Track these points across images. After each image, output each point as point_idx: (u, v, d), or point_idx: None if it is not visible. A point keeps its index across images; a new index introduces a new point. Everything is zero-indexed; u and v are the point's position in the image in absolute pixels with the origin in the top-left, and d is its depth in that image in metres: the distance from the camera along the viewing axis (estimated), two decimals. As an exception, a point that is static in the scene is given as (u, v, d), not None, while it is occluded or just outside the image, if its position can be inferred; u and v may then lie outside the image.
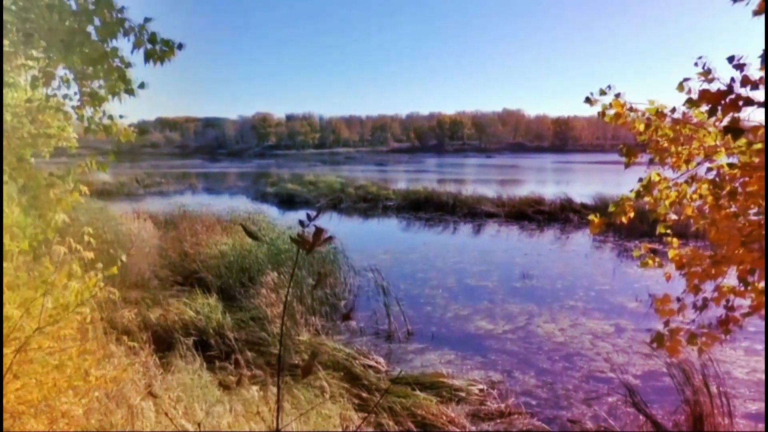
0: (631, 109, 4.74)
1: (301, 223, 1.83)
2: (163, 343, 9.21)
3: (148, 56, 4.19)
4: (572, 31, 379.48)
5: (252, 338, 9.75)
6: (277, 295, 11.12)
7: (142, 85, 4.48)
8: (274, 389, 7.04)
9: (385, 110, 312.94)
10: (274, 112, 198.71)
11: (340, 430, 6.39)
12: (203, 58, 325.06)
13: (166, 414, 5.51)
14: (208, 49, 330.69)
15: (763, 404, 8.06)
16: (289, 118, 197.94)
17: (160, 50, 4.21)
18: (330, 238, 1.87)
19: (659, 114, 4.59)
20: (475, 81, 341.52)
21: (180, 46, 4.31)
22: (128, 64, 4.33)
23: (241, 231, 15.18)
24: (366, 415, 7.19)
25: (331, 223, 26.22)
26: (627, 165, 4.65)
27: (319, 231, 1.81)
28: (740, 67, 3.61)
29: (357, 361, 8.86)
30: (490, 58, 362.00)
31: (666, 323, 4.32)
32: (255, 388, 7.07)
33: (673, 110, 4.56)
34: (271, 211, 25.99)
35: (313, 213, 1.83)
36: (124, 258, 5.48)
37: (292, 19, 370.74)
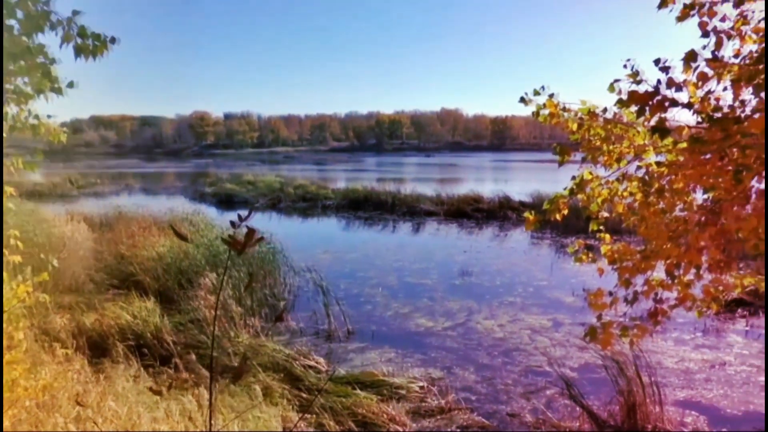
0: (564, 109, 4.85)
1: (233, 223, 1.81)
2: (99, 349, 8.98)
3: (78, 51, 4.06)
4: (510, 31, 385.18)
5: (191, 341, 9.59)
6: (218, 297, 10.99)
7: (71, 84, 4.31)
8: (215, 392, 6.96)
9: (324, 109, 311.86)
10: (212, 111, 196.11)
11: (278, 431, 6.36)
12: (139, 55, 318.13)
13: (94, 422, 5.37)
14: (144, 46, 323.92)
15: (691, 392, 8.37)
16: (228, 117, 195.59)
17: (91, 45, 4.08)
18: (261, 238, 1.86)
19: (591, 114, 4.72)
20: (413, 80, 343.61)
21: (113, 41, 4.19)
22: (53, 60, 4.17)
23: (186, 234, 14.94)
24: (301, 414, 7.17)
25: (270, 223, 25.99)
26: (560, 163, 4.76)
27: (250, 231, 1.80)
28: (666, 69, 3.75)
29: (297, 362, 8.81)
30: (428, 57, 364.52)
31: (599, 317, 4.44)
32: (191, 392, 6.96)
33: (605, 110, 4.69)
34: (209, 212, 25.63)
35: (244, 213, 1.82)
36: (55, 262, 5.33)
37: (228, 17, 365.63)
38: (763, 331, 11.07)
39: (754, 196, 3.96)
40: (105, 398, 6.02)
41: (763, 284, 4.91)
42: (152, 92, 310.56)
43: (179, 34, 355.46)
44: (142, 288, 12.04)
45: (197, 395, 6.84)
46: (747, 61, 3.79)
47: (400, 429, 7.13)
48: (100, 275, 13.32)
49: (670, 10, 4.00)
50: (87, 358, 7.59)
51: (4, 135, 4.55)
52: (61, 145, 5.04)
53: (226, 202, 35.82)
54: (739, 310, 12.22)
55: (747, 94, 3.79)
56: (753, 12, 3.92)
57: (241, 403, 6.96)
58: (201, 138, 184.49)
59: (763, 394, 8.30)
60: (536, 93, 4.82)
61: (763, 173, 3.84)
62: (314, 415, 7.19)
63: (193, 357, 8.72)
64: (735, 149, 3.67)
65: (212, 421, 5.72)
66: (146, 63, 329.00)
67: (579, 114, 4.78)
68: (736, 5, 3.89)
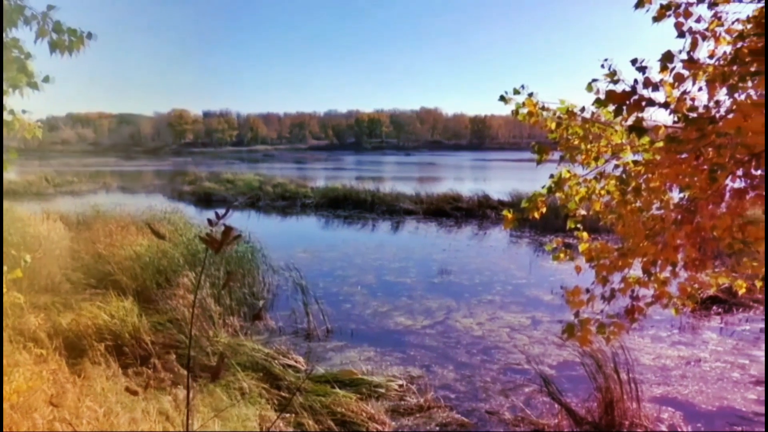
0: (543, 108, 4.89)
1: (210, 222, 1.80)
2: (76, 349, 8.87)
3: (54, 47, 4.01)
4: (489, 31, 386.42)
5: (170, 341, 9.53)
6: (196, 296, 10.92)
7: (46, 79, 4.25)
8: (192, 392, 6.92)
9: (304, 108, 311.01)
10: (190, 109, 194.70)
11: (257, 430, 6.34)
12: (117, 52, 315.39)
13: (70, 424, 5.32)
14: (122, 43, 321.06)
15: (668, 388, 8.46)
16: (207, 115, 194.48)
17: (67, 41, 4.03)
18: (238, 236, 1.85)
19: (570, 113, 4.76)
20: (392, 79, 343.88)
21: (89, 36, 4.14)
22: (28, 55, 4.12)
23: (162, 232, 14.84)
24: (279, 413, 7.16)
25: (249, 221, 25.87)
26: (539, 162, 4.79)
27: (227, 230, 1.79)
28: (642, 69, 3.79)
29: (276, 361, 8.78)
30: (408, 56, 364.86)
31: (576, 314, 4.48)
32: (169, 391, 6.92)
33: (583, 110, 4.73)
34: (188, 210, 25.44)
35: (222, 212, 1.81)
36: (28, 258, 5.26)
37: (207, 14, 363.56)
38: (737, 328, 11.22)
39: (728, 195, 4.01)
40: (82, 399, 5.97)
41: (737, 282, 4.99)
42: (130, 90, 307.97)
43: (157, 31, 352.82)
44: (119, 287, 11.92)
45: (175, 395, 6.81)
46: (721, 62, 3.84)
47: (380, 427, 7.13)
48: (76, 275, 13.17)
49: (647, 11, 4.04)
50: (64, 358, 7.50)
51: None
52: (37, 142, 4.98)
53: (205, 200, 35.59)
54: (714, 308, 12.38)
55: (721, 94, 3.84)
56: (727, 13, 3.98)
57: (220, 403, 6.93)
58: (180, 136, 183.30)
59: (736, 389, 8.41)
60: (515, 92, 4.86)
61: (738, 173, 3.90)
62: (293, 414, 7.17)
63: (172, 357, 8.67)
64: (710, 149, 3.72)
65: (190, 421, 5.70)
66: (124, 60, 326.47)
67: (557, 113, 4.82)
68: (711, 6, 3.94)
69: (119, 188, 46.42)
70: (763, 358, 9.60)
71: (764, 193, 4.03)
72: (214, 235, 1.80)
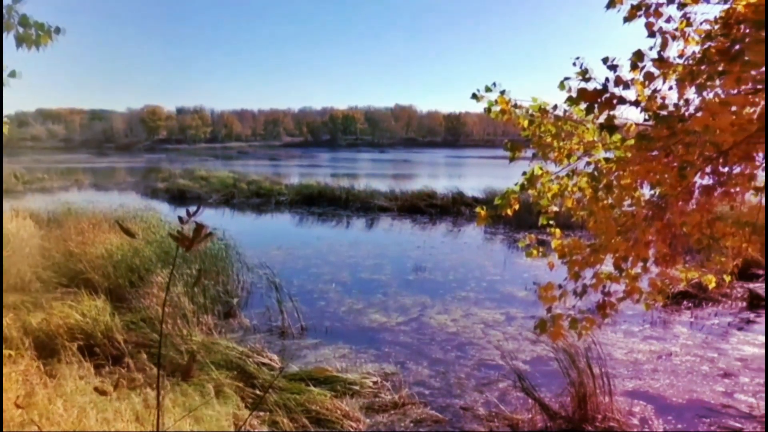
0: (515, 106, 4.93)
1: (181, 219, 1.78)
2: (47, 349, 8.74)
3: (20, 41, 3.94)
4: (463, 28, 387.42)
5: (143, 340, 9.44)
6: (169, 294, 10.82)
7: (12, 74, 4.17)
8: (162, 391, 6.87)
9: (278, 104, 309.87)
10: (164, 105, 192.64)
11: (232, 429, 6.32)
12: (88, 47, 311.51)
13: (37, 425, 5.25)
14: (93, 38, 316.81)
15: (639, 382, 8.58)
16: (180, 111, 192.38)
17: (34, 35, 3.97)
18: (210, 234, 1.84)
19: (542, 111, 4.80)
20: (367, 76, 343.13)
21: (57, 31, 4.08)
22: None
23: (132, 230, 14.69)
24: (251, 411, 7.14)
25: (223, 219, 25.72)
26: (511, 159, 4.84)
27: (199, 227, 1.77)
28: (614, 68, 3.84)
29: (250, 359, 8.75)
30: (382, 53, 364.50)
31: (548, 309, 4.53)
32: (140, 392, 6.85)
33: (555, 107, 4.78)
34: (161, 208, 25.24)
35: (193, 209, 1.79)
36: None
37: (180, 10, 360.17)
38: (707, 323, 11.40)
39: (697, 192, 4.08)
40: (53, 400, 5.90)
41: (706, 277, 5.07)
42: (102, 85, 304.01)
43: (129, 26, 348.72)
44: (91, 286, 11.77)
45: (147, 395, 6.75)
46: (690, 62, 3.90)
47: (354, 425, 7.14)
48: (47, 273, 12.99)
49: (618, 11, 4.10)
50: (33, 359, 7.40)
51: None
52: (5, 139, 4.88)
53: (178, 198, 35.27)
54: (685, 303, 12.56)
55: (691, 93, 3.90)
56: (695, 14, 4.05)
57: (192, 402, 6.89)
58: (153, 133, 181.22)
59: (705, 382, 8.55)
60: (488, 89, 4.89)
61: (706, 170, 3.97)
62: (268, 413, 7.15)
63: (145, 356, 8.60)
64: (680, 146, 3.78)
65: (161, 421, 5.66)
66: (95, 55, 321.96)
67: (530, 111, 4.86)
68: (680, 7, 4.01)
69: (91, 185, 45.81)
70: (731, 351, 9.77)
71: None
72: (186, 233, 1.78)
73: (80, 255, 13.49)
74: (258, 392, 7.83)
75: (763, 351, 9.77)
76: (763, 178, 4.37)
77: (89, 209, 19.54)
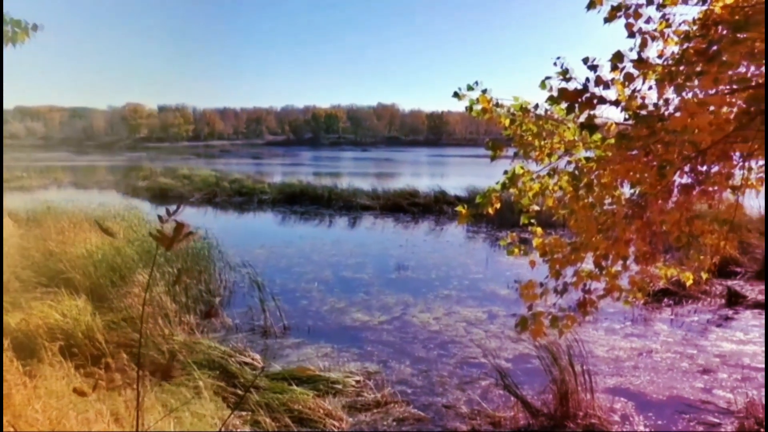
0: (497, 105, 4.95)
1: (160, 218, 1.77)
2: (25, 350, 8.62)
3: (-3, 38, 3.90)
4: (446, 27, 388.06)
5: (124, 340, 9.36)
6: (151, 294, 10.76)
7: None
8: (141, 392, 6.83)
9: (260, 103, 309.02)
10: (145, 103, 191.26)
11: (213, 429, 6.29)
12: (68, 44, 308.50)
13: (12, 427, 5.20)
14: (74, 35, 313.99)
15: (620, 379, 8.65)
16: (162, 109, 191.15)
17: (11, 32, 3.92)
18: (191, 233, 1.82)
19: (524, 110, 4.83)
20: (349, 75, 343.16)
21: (35, 28, 4.04)
22: None
23: (111, 229, 14.57)
24: (232, 411, 7.11)
25: (205, 218, 25.61)
26: (493, 158, 4.86)
27: (179, 226, 1.76)
28: (594, 68, 3.88)
29: (233, 359, 8.72)
30: (364, 52, 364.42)
31: (530, 308, 4.56)
32: (123, 391, 6.80)
33: (536, 107, 4.81)
34: (143, 207, 25.01)
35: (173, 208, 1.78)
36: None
37: (160, 7, 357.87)
38: (686, 320, 11.51)
39: (676, 190, 4.13)
40: (32, 401, 5.84)
41: (685, 274, 5.13)
42: (83, 83, 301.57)
43: (111, 23, 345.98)
44: (72, 286, 11.65)
45: (127, 395, 6.70)
46: (669, 62, 3.94)
47: (337, 424, 7.14)
48: (26, 273, 12.84)
49: (598, 11, 4.13)
50: (12, 359, 7.32)
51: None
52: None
53: (160, 196, 35.00)
54: (666, 300, 12.68)
55: (670, 93, 3.95)
56: (674, 15, 4.09)
57: (174, 402, 6.85)
58: (134, 131, 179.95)
59: (685, 379, 8.64)
60: (470, 88, 4.91)
61: (685, 169, 4.01)
62: (250, 413, 7.13)
63: (126, 356, 8.50)
64: (659, 146, 3.82)
65: (140, 421, 5.63)
66: (76, 52, 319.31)
67: (511, 110, 4.89)
68: (659, 8, 4.05)
69: (71, 184, 45.30)
70: (710, 348, 9.87)
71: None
72: (166, 232, 1.77)
73: (60, 254, 13.36)
74: (240, 392, 7.80)
75: (740, 347, 9.90)
76: (739, 178, 4.43)
77: (69, 208, 19.36)
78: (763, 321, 11.35)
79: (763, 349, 9.80)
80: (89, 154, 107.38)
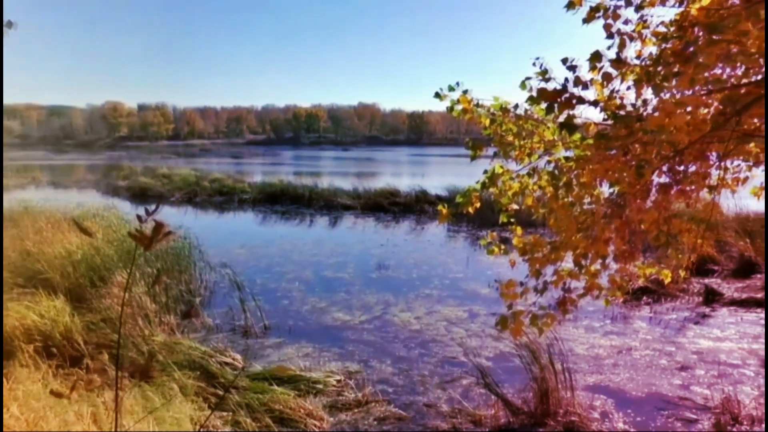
0: (477, 105, 4.97)
1: (139, 217, 1.76)
2: (2, 352, 8.56)
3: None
4: (427, 27, 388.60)
5: (103, 341, 9.28)
6: (131, 294, 10.67)
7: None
8: (120, 393, 6.78)
9: (241, 102, 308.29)
10: (125, 102, 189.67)
11: (192, 430, 6.26)
12: (45, 41, 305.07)
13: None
14: (50, 32, 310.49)
15: (600, 376, 8.72)
16: (142, 108, 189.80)
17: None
18: (170, 232, 1.82)
19: (503, 110, 4.86)
20: (330, 74, 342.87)
21: (9, 25, 3.99)
22: None
23: (90, 229, 14.42)
24: (212, 411, 7.09)
25: (186, 217, 25.44)
26: (473, 158, 4.89)
27: (158, 226, 1.75)
28: (573, 68, 3.91)
29: (213, 359, 8.67)
30: (345, 52, 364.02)
31: (509, 306, 4.58)
32: (98, 393, 6.75)
33: (516, 107, 4.83)
34: (123, 206, 24.76)
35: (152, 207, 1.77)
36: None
37: (142, 4, 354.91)
38: (665, 317, 11.63)
39: (654, 190, 4.18)
40: (9, 404, 5.78)
41: (663, 273, 5.19)
42: (61, 80, 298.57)
43: (89, 20, 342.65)
44: (50, 286, 11.51)
45: (105, 396, 6.65)
46: (647, 63, 3.98)
47: (318, 423, 7.13)
48: (3, 273, 12.71)
49: (575, 12, 4.16)
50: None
51: None
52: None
53: (140, 196, 34.70)
54: (645, 298, 12.81)
55: (648, 93, 3.99)
56: (652, 16, 4.14)
57: (154, 403, 6.80)
58: (114, 129, 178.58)
59: (663, 376, 8.73)
60: (451, 89, 4.93)
61: (663, 168, 4.06)
62: (230, 413, 7.11)
63: (105, 357, 8.43)
64: (637, 145, 3.86)
65: (119, 422, 5.59)
66: (54, 49, 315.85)
67: (492, 110, 4.91)
68: (637, 9, 4.09)
69: (49, 183, 44.75)
70: (688, 345, 9.99)
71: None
72: (145, 232, 1.76)
73: (38, 254, 13.21)
74: (221, 392, 7.76)
75: (717, 344, 10.01)
76: (716, 178, 4.49)
77: (47, 208, 19.15)
78: (739, 318, 11.50)
79: (739, 345, 9.94)
80: (68, 153, 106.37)
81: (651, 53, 4.11)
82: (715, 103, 3.79)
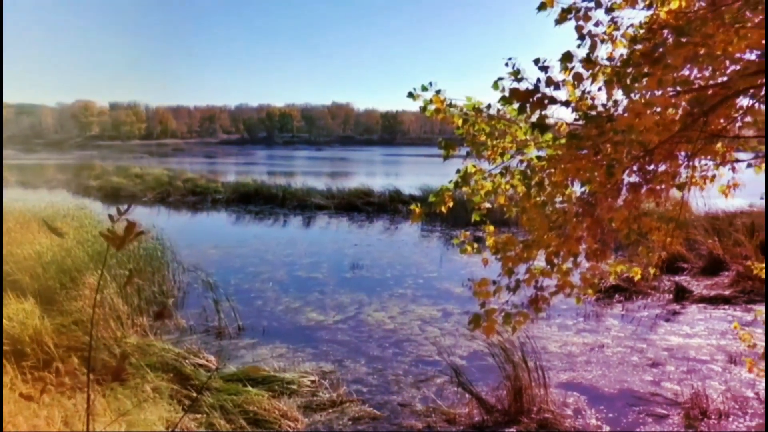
0: (450, 105, 5.00)
1: (111, 217, 1.76)
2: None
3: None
4: (401, 27, 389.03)
5: (74, 343, 9.16)
6: (102, 296, 10.55)
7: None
8: (92, 396, 6.71)
9: (214, 101, 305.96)
10: (96, 100, 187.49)
11: (161, 431, 6.22)
12: (14, 37, 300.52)
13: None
14: (19, 28, 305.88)
15: (573, 373, 8.81)
16: (113, 107, 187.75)
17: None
18: (141, 232, 1.81)
19: (476, 110, 4.88)
20: (303, 74, 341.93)
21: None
22: None
23: (60, 229, 14.24)
24: (185, 413, 7.04)
25: (158, 217, 25.19)
26: (445, 158, 4.91)
27: (130, 225, 1.75)
28: (545, 69, 3.95)
29: (187, 361, 8.61)
30: (319, 51, 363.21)
31: (482, 305, 4.61)
32: (74, 395, 6.67)
33: (489, 107, 4.86)
34: (94, 206, 24.46)
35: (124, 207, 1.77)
36: None
37: (114, 5, 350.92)
38: (636, 315, 11.78)
39: (625, 189, 4.23)
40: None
41: (633, 270, 5.26)
42: (30, 78, 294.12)
43: (59, 16, 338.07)
44: (19, 288, 11.33)
45: (76, 399, 6.57)
46: (617, 64, 4.04)
47: (292, 424, 7.12)
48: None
49: (548, 14, 4.20)
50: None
51: None
52: None
53: (112, 196, 34.36)
54: (617, 296, 12.96)
55: (619, 94, 4.04)
56: (622, 19, 4.19)
57: (126, 405, 6.74)
58: (85, 129, 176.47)
59: (635, 372, 8.85)
60: (424, 89, 4.94)
61: (633, 168, 4.11)
62: (204, 415, 7.06)
63: (76, 360, 8.35)
64: (608, 145, 3.91)
65: (90, 425, 5.53)
66: (23, 46, 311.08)
67: (464, 110, 4.94)
68: (608, 11, 4.14)
69: (18, 183, 44.03)
70: (658, 342, 10.13)
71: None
72: (117, 231, 1.75)
73: (6, 256, 13.00)
74: (194, 394, 7.71)
75: (687, 341, 10.18)
76: (685, 177, 4.56)
77: (16, 207, 18.82)
78: (708, 315, 11.69)
79: (708, 342, 10.10)
80: (37, 153, 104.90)
81: (621, 55, 4.16)
82: (684, 104, 3.85)
